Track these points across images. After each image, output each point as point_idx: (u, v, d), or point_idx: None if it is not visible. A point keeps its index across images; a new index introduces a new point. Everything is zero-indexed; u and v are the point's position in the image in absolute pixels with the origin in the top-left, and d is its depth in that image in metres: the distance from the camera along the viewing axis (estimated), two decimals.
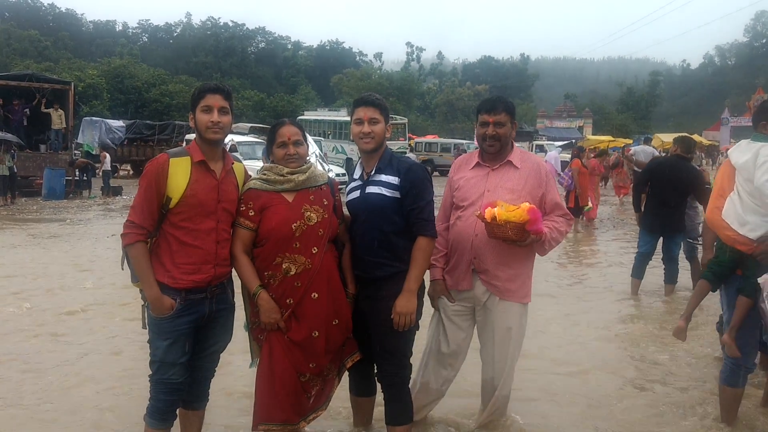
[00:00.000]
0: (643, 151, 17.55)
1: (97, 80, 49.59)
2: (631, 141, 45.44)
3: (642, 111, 73.68)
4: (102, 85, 49.75)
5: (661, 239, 7.65)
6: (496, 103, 3.70)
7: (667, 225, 7.46)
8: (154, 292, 3.14)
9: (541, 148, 39.94)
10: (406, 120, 32.97)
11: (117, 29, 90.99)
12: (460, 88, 69.56)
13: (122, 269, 3.34)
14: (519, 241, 3.49)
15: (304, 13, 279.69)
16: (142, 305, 3.30)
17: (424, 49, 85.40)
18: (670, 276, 7.72)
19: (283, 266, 3.30)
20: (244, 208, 3.33)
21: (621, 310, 7.18)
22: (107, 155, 23.26)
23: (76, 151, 25.06)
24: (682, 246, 7.81)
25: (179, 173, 3.16)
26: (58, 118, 22.86)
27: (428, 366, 3.90)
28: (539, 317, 6.39)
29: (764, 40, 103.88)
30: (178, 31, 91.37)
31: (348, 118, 36.11)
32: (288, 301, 3.31)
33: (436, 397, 3.98)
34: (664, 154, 17.90)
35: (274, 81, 77.01)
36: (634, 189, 8.30)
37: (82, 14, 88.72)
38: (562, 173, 20.47)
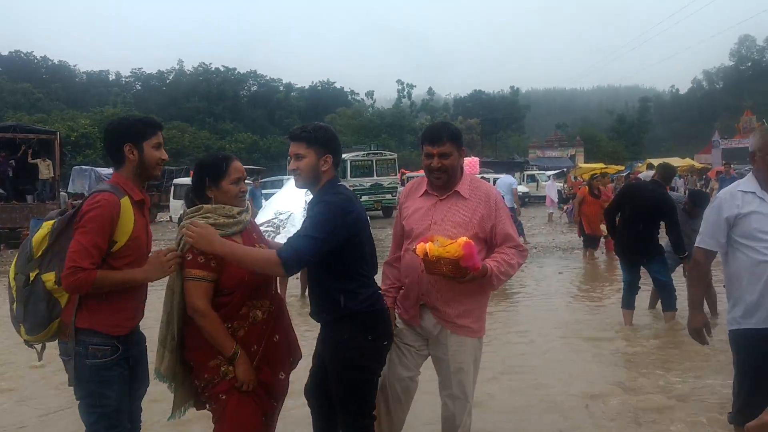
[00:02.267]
0: (646, 177, 17.46)
1: (90, 130, 49.78)
2: (623, 168, 45.69)
3: (633, 137, 74.07)
4: (95, 134, 49.95)
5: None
6: (439, 133, 3.48)
7: (641, 251, 7.27)
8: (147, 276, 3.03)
9: (532, 178, 40.01)
10: (395, 156, 32.98)
11: (110, 78, 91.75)
12: (453, 122, 69.78)
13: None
14: (457, 278, 3.24)
15: (295, 56, 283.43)
16: (66, 359, 3.00)
17: (415, 86, 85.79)
18: (667, 303, 7.35)
19: (251, 314, 3.08)
20: (200, 258, 2.96)
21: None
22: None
23: (67, 201, 24.94)
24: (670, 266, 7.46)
25: (126, 214, 2.95)
26: (45, 168, 22.80)
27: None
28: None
29: (749, 63, 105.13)
30: (170, 78, 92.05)
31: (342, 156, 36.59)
32: (253, 348, 3.08)
33: None
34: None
35: (268, 123, 77.54)
36: (606, 212, 8.12)
37: (75, 65, 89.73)
38: (554, 200, 19.42)
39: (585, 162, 54.93)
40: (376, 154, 31.99)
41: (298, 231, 3.09)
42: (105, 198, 2.90)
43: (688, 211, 7.48)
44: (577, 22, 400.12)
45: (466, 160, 29.92)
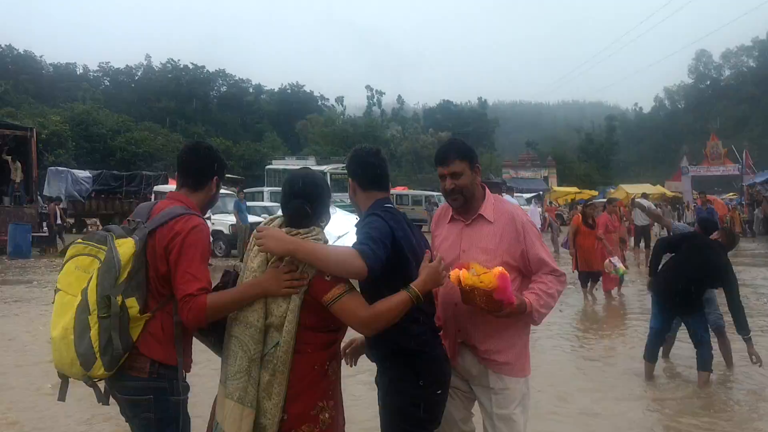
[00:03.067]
0: (646, 204, 17.77)
1: (61, 127, 48.43)
2: (596, 193, 46.24)
3: (602, 160, 75.21)
4: (66, 132, 48.63)
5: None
6: (447, 152, 3.26)
7: (686, 303, 6.70)
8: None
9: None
10: None
11: (78, 72, 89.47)
12: (424, 136, 70.17)
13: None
14: (493, 312, 2.98)
15: (261, 56, 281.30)
16: (127, 398, 2.72)
17: (384, 93, 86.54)
18: (702, 362, 6.72)
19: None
20: (327, 277, 2.63)
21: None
22: (56, 208, 22.49)
23: (44, 204, 24.22)
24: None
25: None
26: (15, 170, 22.00)
27: None
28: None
29: (708, 82, 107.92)
30: (139, 74, 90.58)
31: (317, 167, 35.70)
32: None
33: None
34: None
35: (239, 128, 76.79)
36: (658, 248, 7.42)
37: (41, 56, 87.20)
38: (538, 227, 17.89)
39: (558, 185, 55.54)
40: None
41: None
42: (202, 223, 2.78)
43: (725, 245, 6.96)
44: (539, 35, 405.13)
45: None
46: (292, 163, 42.24)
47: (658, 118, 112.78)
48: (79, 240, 2.76)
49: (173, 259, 2.65)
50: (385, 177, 3.04)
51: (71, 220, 29.91)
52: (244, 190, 25.79)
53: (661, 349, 7.34)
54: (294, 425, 2.58)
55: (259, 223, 3.12)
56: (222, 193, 22.78)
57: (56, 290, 2.70)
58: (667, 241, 7.41)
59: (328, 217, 2.93)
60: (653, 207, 20.04)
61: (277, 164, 43.50)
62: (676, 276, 6.71)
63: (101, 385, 2.74)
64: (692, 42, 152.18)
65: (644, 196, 24.01)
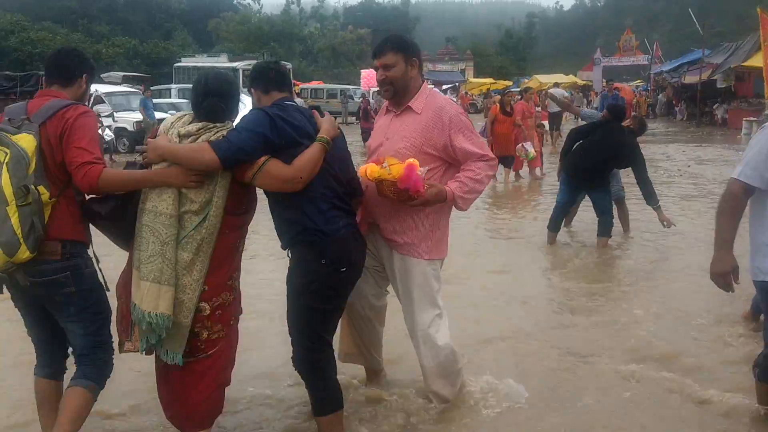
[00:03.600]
0: (555, 93, 18.00)
1: None
2: (511, 83, 46.81)
3: (520, 53, 75.62)
4: None
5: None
6: (381, 45, 3.38)
7: (593, 181, 7.34)
8: None
9: None
10: (290, 66, 32.16)
11: None
12: (343, 32, 68.59)
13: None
14: (405, 202, 3.14)
15: None
16: (41, 280, 2.88)
17: None
18: (604, 229, 7.52)
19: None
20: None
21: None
22: None
23: None
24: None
25: None
26: None
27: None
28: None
29: None
30: None
31: (229, 64, 34.80)
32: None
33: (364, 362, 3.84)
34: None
35: (147, 26, 72.53)
36: (573, 134, 7.87)
37: None
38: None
39: (475, 77, 55.87)
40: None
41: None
42: (90, 110, 3.03)
43: (635, 131, 7.54)
44: None
45: (364, 72, 29.37)
46: (202, 61, 40.85)
47: (577, 15, 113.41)
48: None
49: (65, 140, 2.82)
50: (283, 77, 3.20)
51: None
52: (151, 88, 24.92)
53: (564, 219, 8.07)
54: (213, 294, 2.92)
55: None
56: (126, 91, 22.47)
57: None
58: (579, 130, 7.86)
59: (237, 112, 3.11)
60: (565, 95, 20.46)
61: (186, 62, 42.10)
62: (587, 158, 7.28)
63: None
64: None
65: (556, 85, 24.42)
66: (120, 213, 2.94)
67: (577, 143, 7.58)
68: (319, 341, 3.14)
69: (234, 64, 36.13)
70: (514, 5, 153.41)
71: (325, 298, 3.08)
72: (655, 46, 46.38)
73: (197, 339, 2.94)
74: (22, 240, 2.71)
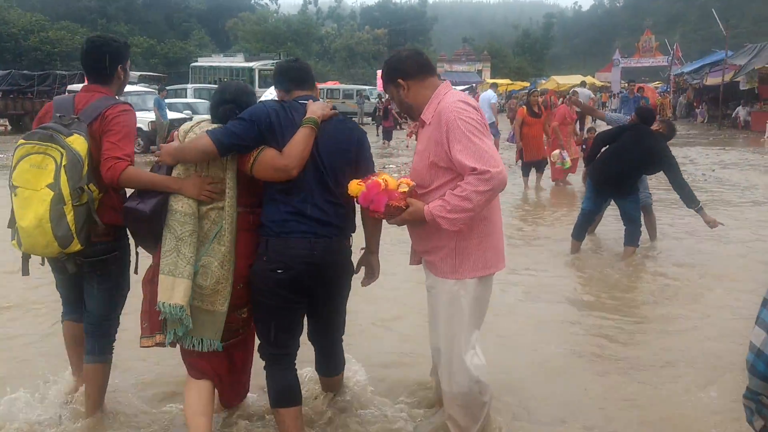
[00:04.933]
0: (582, 93, 17.61)
1: None
2: (528, 84, 46.41)
3: (537, 54, 75.14)
4: None
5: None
6: (383, 79, 3.33)
7: (620, 188, 7.01)
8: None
9: None
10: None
11: None
12: (359, 33, 68.51)
13: None
14: (385, 218, 3.07)
15: None
16: (96, 261, 3.29)
17: None
18: (630, 238, 7.15)
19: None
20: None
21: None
22: None
23: None
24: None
25: None
26: None
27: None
28: None
29: None
30: None
31: (245, 64, 34.83)
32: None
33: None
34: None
35: (165, 26, 72.87)
36: (598, 139, 7.60)
37: None
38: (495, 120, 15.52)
39: (491, 77, 55.45)
40: None
41: None
42: (131, 108, 3.30)
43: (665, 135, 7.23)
44: None
45: (380, 73, 29.56)
46: (218, 61, 41.00)
47: (596, 15, 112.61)
48: (22, 141, 3.14)
49: (103, 136, 3.13)
50: (305, 73, 3.31)
51: None
52: (167, 88, 24.91)
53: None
54: (245, 292, 3.17)
55: (182, 120, 3.47)
56: (141, 91, 22.48)
57: (13, 187, 3.11)
58: (606, 135, 7.52)
59: None
60: (590, 95, 20.10)
61: (202, 62, 42.28)
62: (616, 163, 6.92)
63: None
64: None
65: (582, 84, 24.02)
66: (162, 211, 3.08)
67: (604, 148, 7.27)
68: (263, 337, 3.25)
69: (250, 64, 36.18)
70: (531, 5, 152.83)
71: (262, 294, 3.14)
72: (675, 47, 45.82)
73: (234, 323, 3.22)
74: (75, 235, 3.08)
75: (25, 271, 3.32)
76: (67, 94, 23.47)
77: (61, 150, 3.02)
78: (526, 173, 12.19)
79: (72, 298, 3.54)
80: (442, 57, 65.34)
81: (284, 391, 3.21)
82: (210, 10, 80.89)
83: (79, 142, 3.06)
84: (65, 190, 3.01)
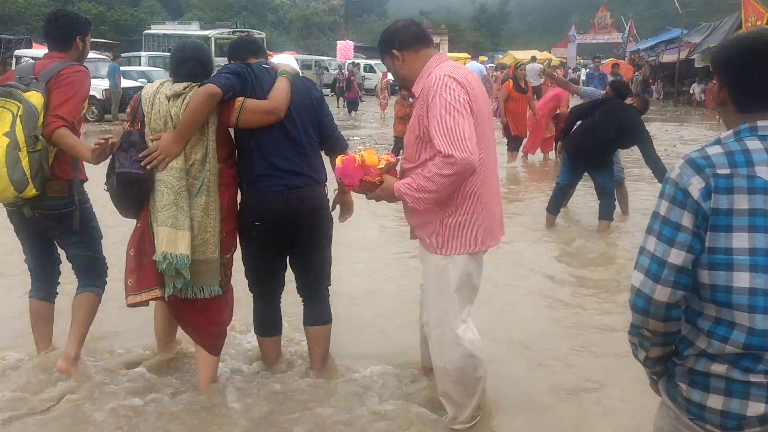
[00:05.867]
0: (532, 69, 17.48)
1: None
2: (486, 58, 46.43)
3: (494, 28, 75.26)
4: None
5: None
6: (379, 49, 3.32)
7: (596, 160, 7.03)
8: None
9: None
10: (264, 35, 31.42)
11: None
12: (315, 3, 67.49)
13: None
14: (362, 193, 3.18)
15: None
16: (57, 213, 3.55)
17: None
18: (606, 212, 7.21)
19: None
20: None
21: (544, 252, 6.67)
22: None
23: None
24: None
25: None
26: None
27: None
28: None
29: None
30: None
31: (201, 32, 34.04)
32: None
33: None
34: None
35: None
36: (573, 113, 7.67)
37: None
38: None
39: (449, 51, 55.36)
40: (243, 32, 30.23)
41: None
42: (87, 70, 3.52)
43: (639, 109, 7.21)
44: None
45: (340, 44, 29.12)
46: (172, 28, 39.95)
47: None
48: None
49: (55, 92, 3.36)
50: (257, 46, 3.71)
51: None
52: (121, 55, 24.10)
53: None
54: (229, 244, 3.42)
55: (137, 88, 3.68)
56: (94, 58, 21.73)
57: None
58: (581, 108, 7.55)
59: (211, 73, 3.44)
60: (541, 68, 20.09)
61: (156, 29, 41.16)
62: (591, 137, 6.93)
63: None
64: None
65: (533, 59, 24.00)
66: (153, 172, 3.23)
67: (579, 122, 7.26)
68: (250, 277, 3.64)
69: (206, 32, 35.28)
70: None
71: (245, 242, 3.51)
72: (629, 25, 46.38)
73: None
74: (30, 179, 3.28)
75: None
76: (14, 59, 23.12)
77: (18, 103, 3.28)
78: (516, 147, 11.99)
79: (40, 269, 3.78)
80: None
81: (266, 323, 3.70)
82: None
83: (35, 97, 3.31)
84: (20, 137, 3.24)
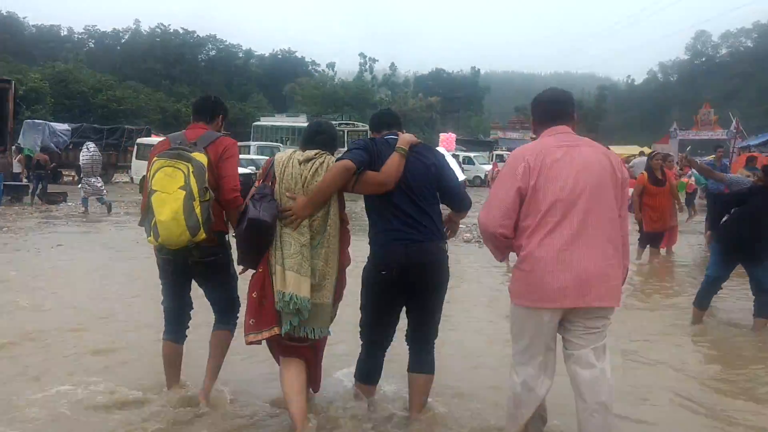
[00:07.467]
0: (641, 163, 17.20)
1: (40, 84, 47.39)
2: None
3: (590, 124, 75.07)
4: (45, 89, 47.48)
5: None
6: None
7: (755, 253, 6.58)
8: None
9: (501, 158, 40.20)
10: (366, 128, 32.45)
11: (62, 34, 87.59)
12: (413, 99, 69.60)
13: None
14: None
15: (255, 21, 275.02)
16: (209, 259, 4.17)
17: (377, 60, 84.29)
18: (763, 308, 6.67)
19: None
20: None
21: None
22: (46, 158, 21.67)
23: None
24: None
25: None
26: None
27: None
28: None
29: (704, 58, 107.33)
30: (126, 37, 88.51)
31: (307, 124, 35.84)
32: None
33: None
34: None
35: (225, 89, 75.17)
36: (728, 201, 7.26)
37: (24, 18, 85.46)
38: None
39: None
40: (348, 125, 31.65)
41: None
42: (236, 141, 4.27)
43: None
44: (541, 10, 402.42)
45: (443, 135, 29.77)
46: (281, 120, 41.99)
47: (649, 89, 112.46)
48: (156, 158, 3.96)
49: (225, 161, 4.03)
50: (392, 118, 4.30)
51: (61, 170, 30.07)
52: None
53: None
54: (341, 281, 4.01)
55: (246, 174, 3.97)
56: None
57: (152, 191, 3.86)
58: (734, 196, 7.18)
59: (336, 147, 4.16)
60: (643, 166, 19.83)
61: (265, 121, 43.46)
62: (749, 227, 6.53)
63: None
64: (692, 25, 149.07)
65: (641, 154, 23.79)
66: (275, 221, 3.76)
67: (733, 211, 6.84)
68: (365, 325, 4.07)
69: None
70: (582, 78, 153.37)
71: (369, 289, 3.96)
72: (735, 121, 45.21)
73: None
74: (202, 225, 3.81)
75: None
76: (135, 147, 25.03)
77: (187, 163, 3.85)
78: (650, 244, 10.67)
79: (175, 312, 4.28)
80: (495, 125, 65.99)
81: (371, 373, 4.10)
82: (269, 75, 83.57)
83: (201, 157, 3.93)
84: (195, 189, 3.79)
